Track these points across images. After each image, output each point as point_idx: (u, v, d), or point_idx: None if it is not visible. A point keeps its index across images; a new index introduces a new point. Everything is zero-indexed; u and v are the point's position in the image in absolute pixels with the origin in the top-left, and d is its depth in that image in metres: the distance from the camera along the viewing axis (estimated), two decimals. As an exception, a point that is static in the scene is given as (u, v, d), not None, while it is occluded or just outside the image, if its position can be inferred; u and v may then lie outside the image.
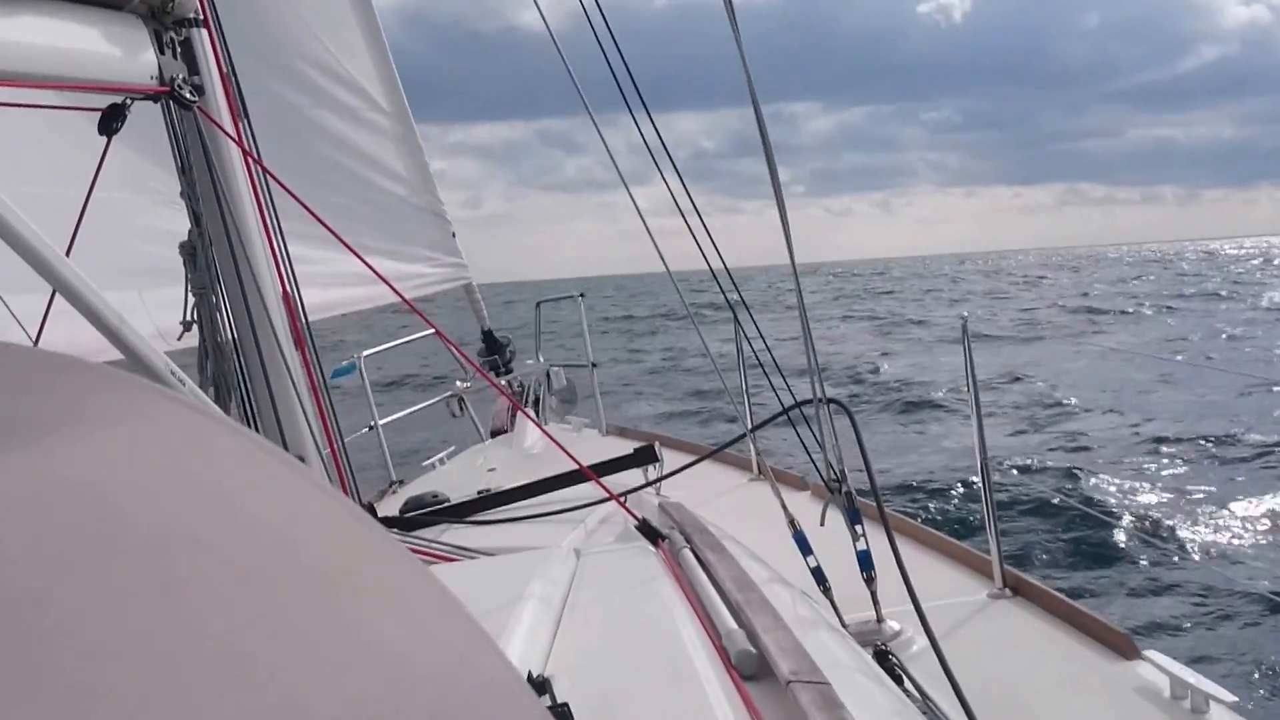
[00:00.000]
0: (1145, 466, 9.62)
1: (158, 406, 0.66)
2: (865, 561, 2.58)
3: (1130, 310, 31.34)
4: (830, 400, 2.62)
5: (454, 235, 5.75)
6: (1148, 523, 7.61)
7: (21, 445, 0.55)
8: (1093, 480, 8.97)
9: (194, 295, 2.66)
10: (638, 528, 2.28)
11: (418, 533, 2.80)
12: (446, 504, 3.15)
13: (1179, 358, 17.90)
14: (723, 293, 3.16)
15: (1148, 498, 8.52)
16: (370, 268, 3.06)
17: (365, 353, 5.48)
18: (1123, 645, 2.62)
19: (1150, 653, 2.57)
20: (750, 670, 1.43)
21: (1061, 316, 31.29)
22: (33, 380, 0.64)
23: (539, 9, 3.18)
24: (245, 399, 2.59)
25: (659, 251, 3.11)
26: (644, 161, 3.22)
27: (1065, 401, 13.42)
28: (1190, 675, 2.38)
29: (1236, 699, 2.29)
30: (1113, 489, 8.74)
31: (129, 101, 2.42)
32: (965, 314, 3.33)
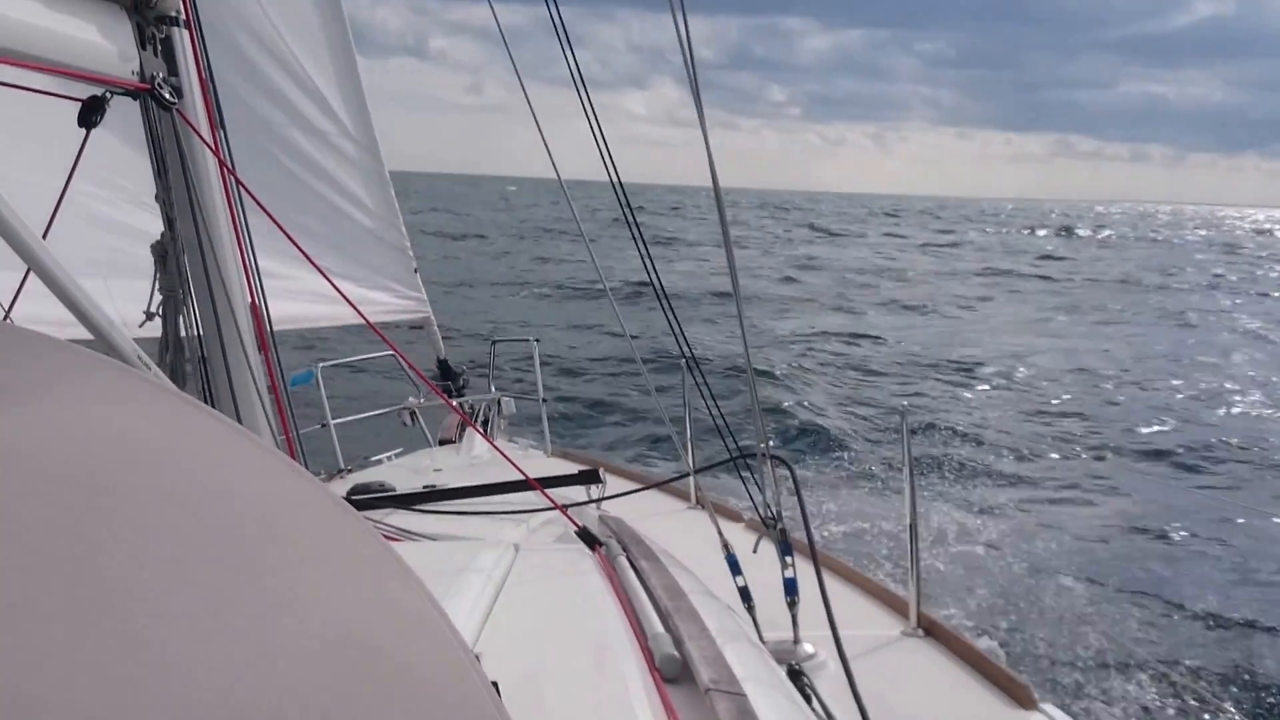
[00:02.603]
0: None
1: (131, 385, 0.68)
2: (790, 587, 2.72)
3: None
4: (773, 456, 2.77)
5: (416, 271, 5.82)
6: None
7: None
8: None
9: (161, 294, 2.65)
10: (577, 533, 2.35)
11: (363, 514, 2.81)
12: (393, 493, 3.17)
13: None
14: (680, 344, 3.17)
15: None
16: (337, 289, 3.08)
17: (323, 364, 5.54)
18: (1022, 696, 2.74)
19: (1046, 706, 2.70)
20: (672, 673, 1.48)
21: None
22: (6, 355, 0.66)
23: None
24: (204, 388, 2.58)
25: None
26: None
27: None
28: None
29: None
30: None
31: (108, 95, 2.43)
32: (904, 405, 3.60)
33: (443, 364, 6.25)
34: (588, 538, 2.28)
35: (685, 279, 25.58)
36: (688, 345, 3.31)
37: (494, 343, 6.83)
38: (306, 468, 3.10)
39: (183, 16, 2.57)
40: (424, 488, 3.20)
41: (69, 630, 0.42)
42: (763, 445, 2.71)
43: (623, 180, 3.16)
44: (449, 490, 3.07)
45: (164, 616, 0.46)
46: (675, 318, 3.09)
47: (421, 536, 2.48)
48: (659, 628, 1.62)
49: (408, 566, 0.62)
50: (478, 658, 1.40)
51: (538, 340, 6.57)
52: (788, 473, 2.81)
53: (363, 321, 3.47)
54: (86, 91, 2.37)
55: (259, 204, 2.79)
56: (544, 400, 6.14)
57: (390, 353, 4.07)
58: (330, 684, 0.49)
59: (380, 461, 5.43)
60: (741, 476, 2.95)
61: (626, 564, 2.01)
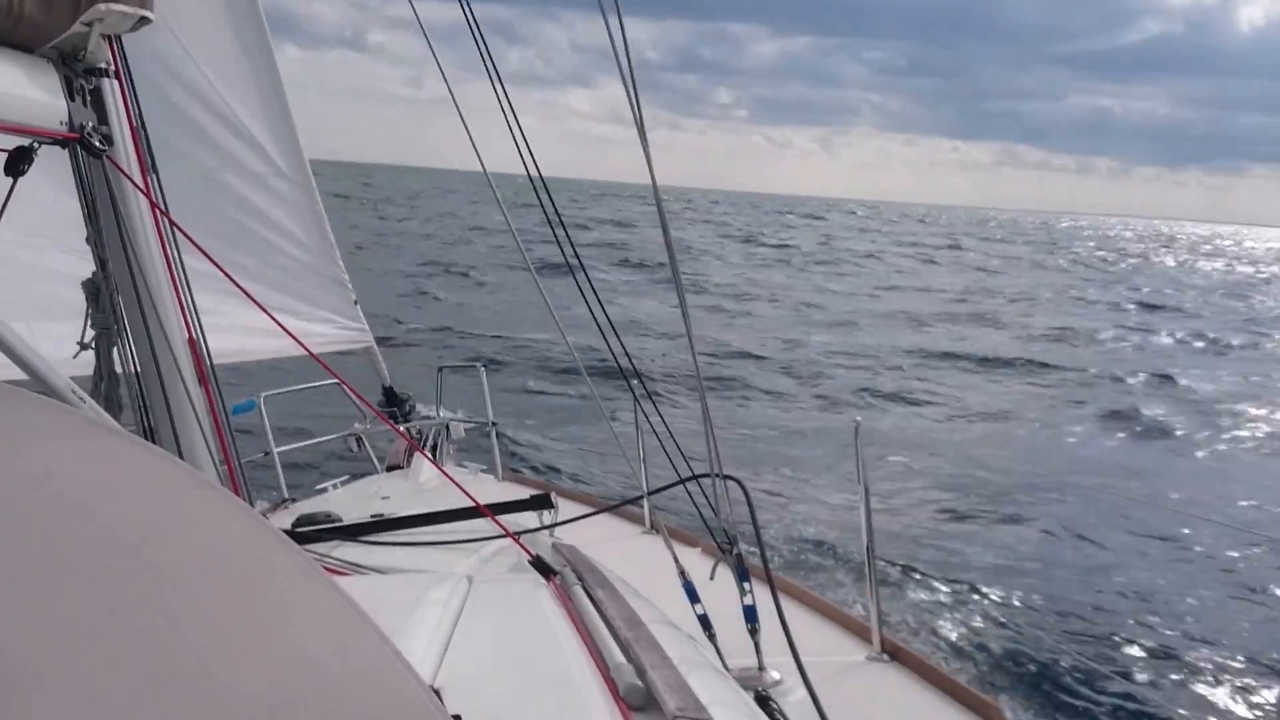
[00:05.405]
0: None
1: (65, 422, 0.68)
2: (750, 614, 2.68)
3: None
4: (727, 476, 2.72)
5: (356, 302, 5.88)
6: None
7: None
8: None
9: (94, 329, 2.71)
10: (531, 563, 2.31)
11: (308, 547, 2.77)
12: (340, 524, 3.12)
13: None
14: (620, 369, 3.16)
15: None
16: (277, 322, 3.12)
17: (265, 393, 5.51)
18: (991, 714, 2.74)
19: None
20: (638, 703, 1.46)
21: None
22: None
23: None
24: (142, 417, 2.62)
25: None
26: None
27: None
28: None
29: None
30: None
31: (37, 145, 2.50)
32: (858, 420, 3.57)
33: (388, 391, 6.25)
34: (542, 567, 2.24)
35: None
36: (631, 363, 3.22)
37: (441, 370, 6.78)
38: (249, 498, 3.11)
39: (112, 68, 2.66)
40: (372, 517, 3.14)
41: None
42: (715, 467, 2.66)
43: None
44: (398, 519, 3.00)
45: (100, 675, 0.43)
46: (616, 334, 3.02)
47: (371, 570, 2.43)
48: (620, 658, 1.59)
49: (358, 606, 0.60)
50: (439, 691, 1.39)
51: (485, 366, 6.60)
52: (742, 494, 2.75)
53: (304, 353, 3.49)
54: (12, 143, 2.44)
55: (193, 242, 2.85)
56: (493, 424, 6.08)
57: (334, 381, 4.08)
58: None
59: (326, 490, 5.37)
60: (694, 501, 2.88)
61: (582, 593, 1.98)
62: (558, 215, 3.02)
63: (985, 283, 37.99)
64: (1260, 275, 58.31)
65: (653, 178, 2.79)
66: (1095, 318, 28.97)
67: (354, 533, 2.97)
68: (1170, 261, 68.69)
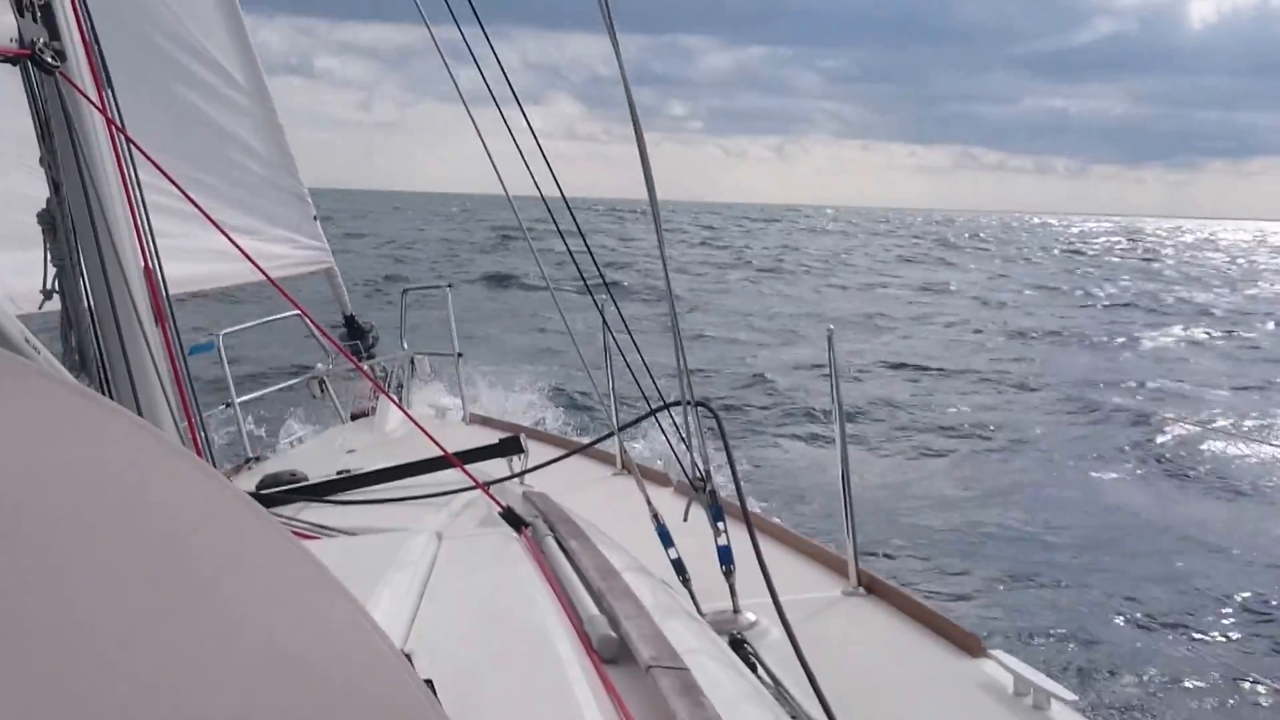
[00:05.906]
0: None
1: (16, 379, 0.63)
2: (725, 555, 2.66)
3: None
4: (699, 403, 2.67)
5: (316, 218, 5.70)
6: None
7: None
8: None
9: (54, 266, 2.61)
10: (502, 514, 2.30)
11: (275, 510, 2.74)
12: (305, 483, 3.08)
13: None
14: (587, 287, 3.14)
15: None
16: (236, 245, 3.01)
17: (225, 330, 5.34)
18: (971, 644, 2.73)
19: (996, 652, 2.68)
20: (611, 654, 1.47)
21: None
22: None
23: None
24: (102, 370, 2.55)
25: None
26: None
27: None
28: (1033, 674, 2.47)
29: (1076, 697, 2.40)
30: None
31: (-13, 63, 2.37)
32: (831, 327, 3.45)
33: (349, 320, 6.03)
34: (513, 519, 2.23)
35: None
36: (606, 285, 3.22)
37: (405, 291, 6.52)
38: (212, 457, 3.04)
39: (62, -19, 2.51)
40: (338, 473, 3.08)
41: None
42: (686, 395, 2.62)
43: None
44: (364, 475, 2.96)
45: (69, 645, 0.43)
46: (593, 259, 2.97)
47: (338, 531, 2.40)
48: (593, 609, 1.59)
49: (327, 570, 0.60)
50: (408, 657, 1.39)
51: (450, 286, 6.26)
52: (714, 422, 2.71)
53: (262, 279, 3.39)
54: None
55: (151, 160, 2.73)
56: (459, 355, 5.89)
57: (295, 313, 3.96)
58: (257, 704, 0.48)
59: (290, 446, 5.26)
60: (665, 435, 2.85)
61: (554, 545, 1.97)
62: (558, 228, 2.99)
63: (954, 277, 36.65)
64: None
65: (650, 187, 2.74)
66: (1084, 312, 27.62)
67: (320, 492, 2.92)
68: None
